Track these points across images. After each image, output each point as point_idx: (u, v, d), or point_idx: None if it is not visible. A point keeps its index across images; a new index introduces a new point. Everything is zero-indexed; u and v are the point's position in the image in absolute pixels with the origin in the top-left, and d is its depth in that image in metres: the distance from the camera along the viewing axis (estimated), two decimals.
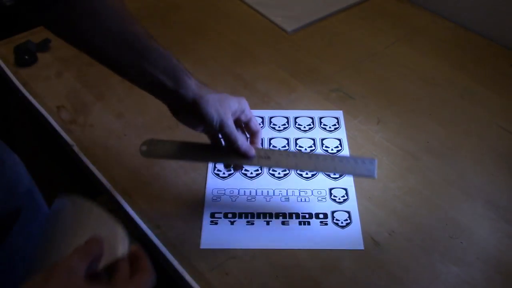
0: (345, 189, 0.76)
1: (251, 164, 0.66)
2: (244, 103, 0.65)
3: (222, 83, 0.94)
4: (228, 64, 0.99)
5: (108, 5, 0.57)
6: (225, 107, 0.62)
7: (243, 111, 0.65)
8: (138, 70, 0.59)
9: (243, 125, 0.67)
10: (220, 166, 0.79)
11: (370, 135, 0.85)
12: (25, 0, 0.57)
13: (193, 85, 0.60)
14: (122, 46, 0.58)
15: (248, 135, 0.69)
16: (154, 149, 0.67)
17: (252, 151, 0.65)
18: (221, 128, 0.62)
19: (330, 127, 0.86)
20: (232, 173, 0.78)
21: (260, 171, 0.79)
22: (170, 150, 0.68)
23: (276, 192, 0.76)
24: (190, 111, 0.61)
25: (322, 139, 0.84)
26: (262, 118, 0.87)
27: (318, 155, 0.68)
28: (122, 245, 0.50)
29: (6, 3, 1.27)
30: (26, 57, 0.97)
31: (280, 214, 0.73)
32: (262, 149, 0.68)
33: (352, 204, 0.74)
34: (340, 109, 0.89)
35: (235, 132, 0.62)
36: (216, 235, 0.70)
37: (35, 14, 0.58)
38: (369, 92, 0.93)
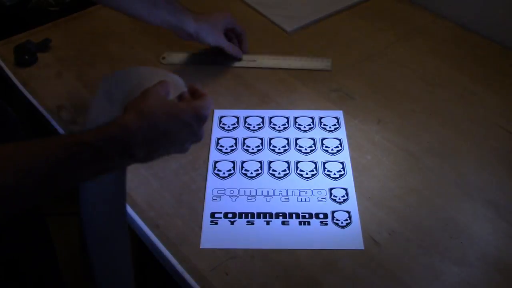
0: (345, 189, 0.76)
1: (241, 64, 0.98)
2: (230, 18, 0.94)
3: (222, 83, 0.94)
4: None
5: None
6: (218, 29, 0.92)
7: (230, 23, 0.94)
8: (152, 13, 0.84)
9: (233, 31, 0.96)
10: (220, 166, 0.79)
11: (370, 135, 0.85)
12: None
13: (192, 21, 0.87)
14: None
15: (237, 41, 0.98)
16: (172, 58, 0.98)
17: (240, 54, 0.97)
18: (217, 45, 0.93)
19: (330, 127, 0.86)
20: (232, 173, 0.78)
21: (260, 171, 0.79)
22: (185, 57, 0.98)
23: (276, 192, 0.76)
24: (193, 38, 0.90)
25: (322, 139, 0.84)
26: (262, 118, 0.87)
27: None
28: (181, 85, 0.67)
29: (6, 3, 1.27)
30: (26, 57, 0.97)
31: (280, 214, 0.73)
32: (250, 54, 0.99)
33: (352, 204, 0.74)
34: (340, 109, 0.89)
35: (226, 44, 0.94)
36: (216, 235, 0.70)
37: None
38: (369, 92, 0.93)
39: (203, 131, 0.62)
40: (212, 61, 0.99)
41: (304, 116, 0.88)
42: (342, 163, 0.80)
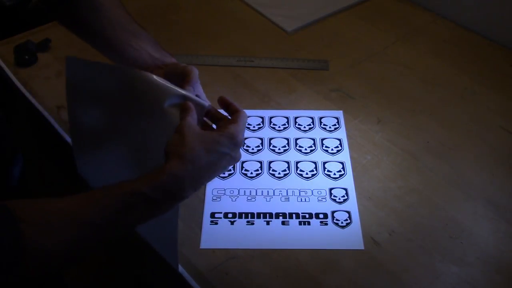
0: (345, 189, 0.76)
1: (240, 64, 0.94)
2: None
3: (222, 83, 0.94)
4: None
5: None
6: None
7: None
8: (130, 45, 0.70)
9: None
10: None
11: (370, 135, 0.85)
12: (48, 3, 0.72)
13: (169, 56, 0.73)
14: (119, 28, 0.70)
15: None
16: None
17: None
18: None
19: (330, 127, 0.86)
20: (232, 173, 0.78)
21: (260, 171, 0.79)
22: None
23: (276, 192, 0.76)
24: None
25: (322, 139, 0.84)
26: (262, 118, 0.87)
27: None
28: (204, 101, 0.64)
29: (6, 3, 1.27)
30: (26, 57, 0.97)
31: (280, 214, 0.73)
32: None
33: (352, 204, 0.74)
34: (340, 109, 0.89)
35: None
36: (216, 235, 0.70)
37: (50, 10, 0.74)
38: (369, 92, 0.93)
39: (240, 153, 0.62)
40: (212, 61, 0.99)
41: (304, 116, 0.88)
42: (342, 163, 0.80)
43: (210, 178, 0.60)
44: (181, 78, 0.65)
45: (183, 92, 0.62)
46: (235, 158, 0.61)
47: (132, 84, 0.63)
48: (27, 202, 0.50)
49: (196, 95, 0.64)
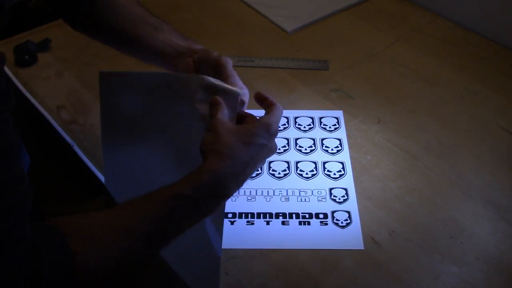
0: (345, 189, 0.76)
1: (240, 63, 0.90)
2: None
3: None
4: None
5: None
6: None
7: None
8: (155, 38, 0.69)
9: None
10: None
11: (370, 135, 0.85)
12: (62, 10, 0.71)
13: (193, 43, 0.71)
14: (141, 23, 0.69)
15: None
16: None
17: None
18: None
19: (330, 127, 0.86)
20: None
21: (260, 171, 0.79)
22: None
23: (276, 192, 0.76)
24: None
25: (322, 139, 0.84)
26: None
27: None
28: (233, 89, 0.61)
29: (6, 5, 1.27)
30: (26, 57, 0.97)
31: (280, 214, 0.73)
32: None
33: (352, 204, 0.74)
34: (340, 109, 0.89)
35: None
36: None
37: (62, 13, 0.71)
38: (369, 92, 0.93)
39: (276, 143, 0.61)
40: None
41: (304, 116, 0.88)
42: (342, 163, 0.80)
43: (251, 172, 0.58)
44: (214, 69, 0.64)
45: (213, 81, 0.60)
46: (272, 149, 0.59)
47: (164, 85, 0.61)
48: (66, 218, 0.48)
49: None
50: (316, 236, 0.70)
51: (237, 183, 0.56)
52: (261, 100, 0.62)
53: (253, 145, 0.56)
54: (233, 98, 0.60)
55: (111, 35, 0.70)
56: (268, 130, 0.57)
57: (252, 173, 0.59)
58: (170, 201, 0.51)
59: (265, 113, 0.60)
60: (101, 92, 0.63)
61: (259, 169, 0.79)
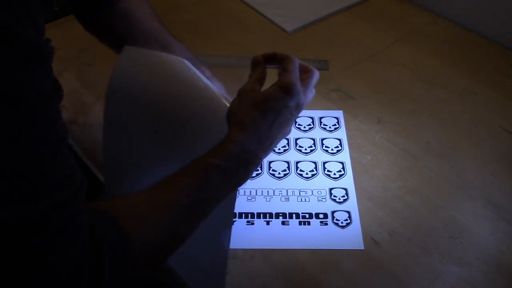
0: (345, 189, 0.76)
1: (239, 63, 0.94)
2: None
3: (222, 83, 0.94)
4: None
5: (139, 9, 0.73)
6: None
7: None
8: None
9: None
10: None
11: (370, 135, 0.85)
12: (77, 10, 0.73)
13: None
14: (151, 39, 0.72)
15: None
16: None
17: None
18: None
19: (330, 127, 0.86)
20: None
21: (260, 171, 0.79)
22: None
23: (276, 192, 0.76)
24: None
25: (322, 139, 0.84)
26: None
27: None
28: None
29: None
30: None
31: (280, 214, 0.73)
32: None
33: (352, 204, 0.74)
34: (340, 109, 0.89)
35: None
36: None
37: (77, 12, 0.73)
38: (369, 92, 0.93)
39: (302, 99, 0.60)
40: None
41: (304, 116, 0.88)
42: (342, 163, 0.80)
43: (279, 134, 0.59)
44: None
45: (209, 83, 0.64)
46: (298, 106, 0.59)
47: (185, 69, 0.64)
48: (111, 200, 0.50)
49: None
50: (316, 236, 0.70)
51: (264, 149, 0.58)
52: (271, 60, 0.63)
53: (272, 110, 0.57)
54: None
55: (118, 44, 0.71)
56: (285, 89, 0.58)
57: (282, 135, 0.60)
58: (204, 172, 0.52)
59: (278, 74, 0.60)
60: (116, 65, 0.64)
61: (259, 169, 0.79)
